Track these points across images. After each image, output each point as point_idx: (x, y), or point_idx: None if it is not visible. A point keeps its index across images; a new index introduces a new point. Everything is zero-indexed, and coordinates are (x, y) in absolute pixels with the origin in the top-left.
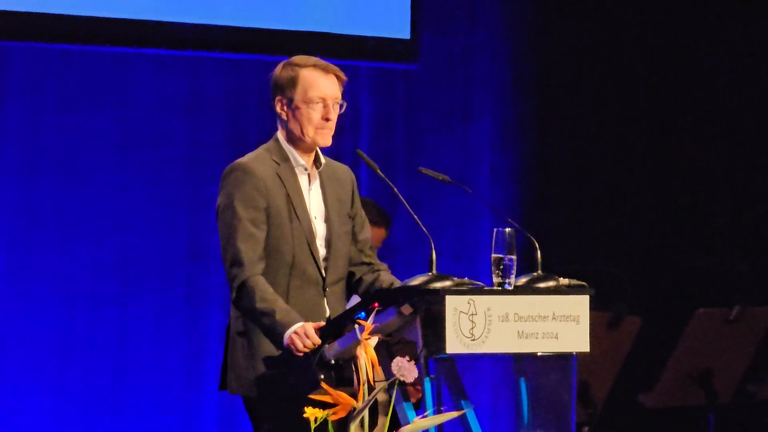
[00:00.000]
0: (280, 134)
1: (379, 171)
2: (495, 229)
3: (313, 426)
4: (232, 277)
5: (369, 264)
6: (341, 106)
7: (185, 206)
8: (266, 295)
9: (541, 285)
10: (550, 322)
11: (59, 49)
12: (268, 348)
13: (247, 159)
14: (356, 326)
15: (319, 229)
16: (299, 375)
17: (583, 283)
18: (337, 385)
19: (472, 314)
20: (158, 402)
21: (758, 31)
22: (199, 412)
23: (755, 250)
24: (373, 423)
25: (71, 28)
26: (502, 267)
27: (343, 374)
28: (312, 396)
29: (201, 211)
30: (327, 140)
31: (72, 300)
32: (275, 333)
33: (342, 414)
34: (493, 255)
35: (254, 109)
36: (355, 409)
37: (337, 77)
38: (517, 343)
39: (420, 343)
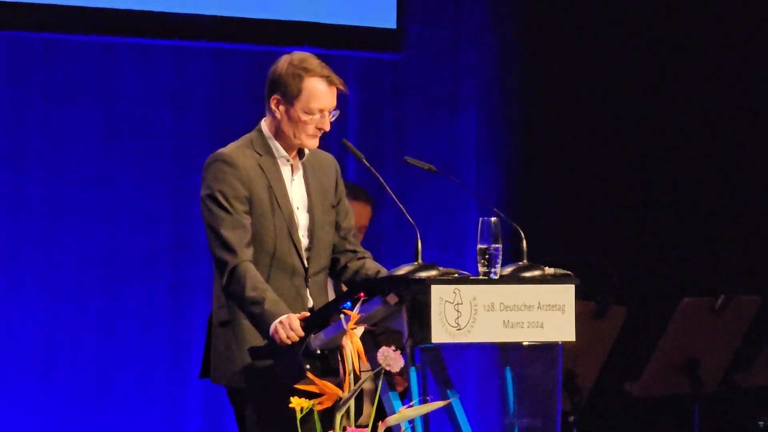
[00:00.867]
0: (265, 125)
1: (365, 161)
2: (481, 219)
3: (299, 416)
4: (222, 264)
5: (353, 251)
6: (334, 115)
7: (170, 196)
8: (257, 283)
9: (527, 274)
10: (536, 312)
11: (44, 38)
12: (252, 338)
13: (228, 149)
14: (342, 316)
15: (302, 219)
16: (285, 365)
17: (569, 272)
18: (322, 375)
19: (458, 304)
20: (144, 392)
21: (735, 20)
22: (184, 402)
23: (741, 239)
24: (358, 412)
25: (56, 17)
26: (487, 256)
27: (329, 364)
28: (297, 386)
29: (186, 201)
30: (315, 144)
31: (57, 290)
32: (262, 322)
33: (328, 404)
34: (479, 244)
35: (240, 99)
36: (341, 398)
37: (338, 88)
38: (502, 332)
39: (406, 332)
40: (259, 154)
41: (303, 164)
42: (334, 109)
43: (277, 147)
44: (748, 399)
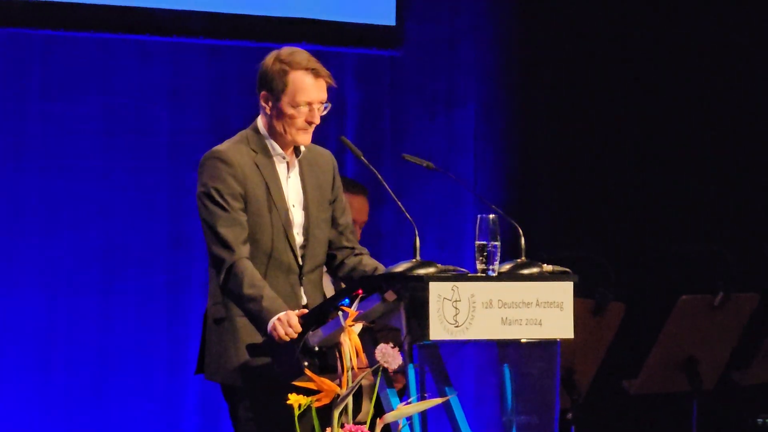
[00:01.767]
0: (260, 123)
1: (363, 158)
2: (479, 216)
3: (296, 413)
4: (219, 261)
5: (351, 248)
6: (326, 108)
7: (168, 193)
8: (254, 280)
9: (525, 271)
10: (534, 309)
11: (42, 35)
12: (247, 335)
13: (224, 147)
14: (340, 313)
15: (297, 217)
16: (283, 362)
17: (567, 269)
18: (320, 372)
19: (456, 301)
20: (140, 388)
21: (737, 15)
22: (180, 398)
23: (739, 236)
24: (357, 409)
25: (54, 13)
26: (485, 253)
27: (327, 361)
28: (296, 383)
29: (183, 197)
30: (307, 140)
31: (54, 287)
32: (260, 319)
33: (326, 401)
34: (477, 242)
35: (237, 96)
36: (338, 395)
37: (326, 81)
38: (500, 329)
39: (404, 329)
40: (254, 151)
41: (299, 161)
42: (326, 102)
43: (272, 144)
44: (746, 396)
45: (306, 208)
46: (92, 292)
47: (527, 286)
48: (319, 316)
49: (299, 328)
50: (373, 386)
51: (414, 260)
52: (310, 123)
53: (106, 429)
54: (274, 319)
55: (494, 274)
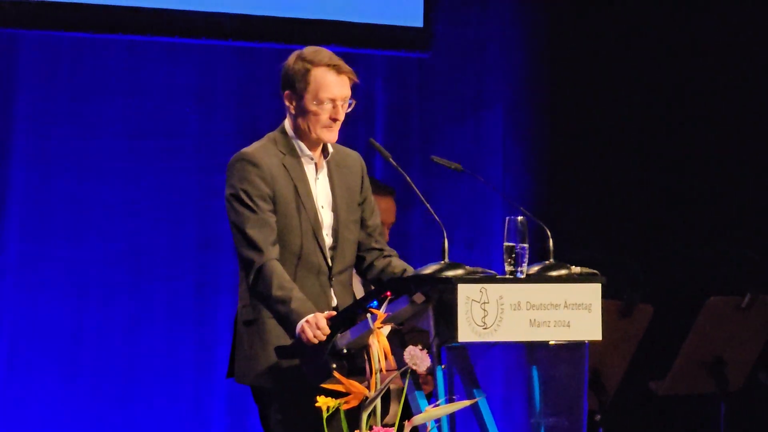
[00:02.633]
0: (287, 125)
1: (392, 160)
2: (507, 218)
3: (325, 415)
4: (248, 262)
5: (380, 249)
6: (350, 105)
7: (196, 195)
8: (283, 282)
9: (553, 273)
10: (562, 311)
11: (70, 37)
12: (276, 337)
13: (252, 149)
14: (368, 315)
15: (326, 218)
16: (311, 364)
17: (595, 271)
18: (349, 374)
19: (485, 303)
20: (168, 391)
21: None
22: (209, 401)
23: (767, 237)
24: (385, 412)
25: (82, 16)
26: (514, 255)
27: (356, 363)
28: (324, 385)
29: (212, 200)
30: (333, 137)
31: (83, 289)
32: (289, 321)
33: (354, 403)
34: (506, 243)
35: (265, 98)
36: (367, 398)
37: (349, 77)
38: (529, 331)
39: (432, 331)
40: (282, 153)
41: (328, 162)
42: (350, 99)
43: (300, 146)
44: None
45: (335, 209)
46: (120, 295)
47: (555, 287)
48: (348, 318)
49: (327, 331)
50: (401, 388)
51: (442, 262)
52: (334, 120)
53: None
54: (302, 322)
55: (522, 276)
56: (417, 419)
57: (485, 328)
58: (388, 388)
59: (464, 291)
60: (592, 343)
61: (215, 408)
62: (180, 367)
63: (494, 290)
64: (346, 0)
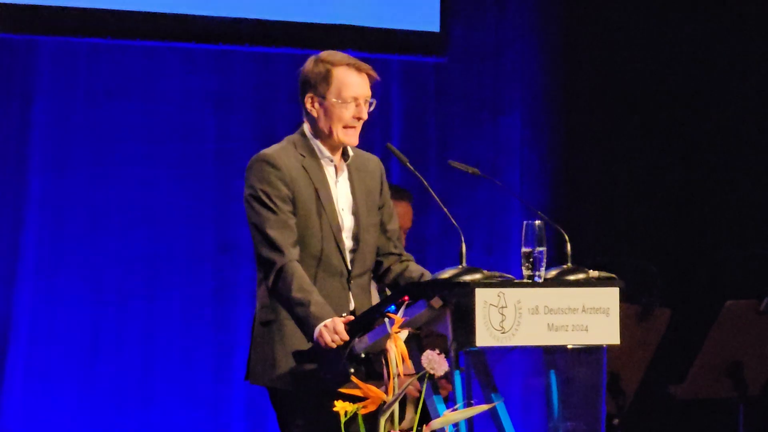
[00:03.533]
0: (306, 128)
1: (409, 164)
2: (525, 222)
3: (343, 419)
4: (269, 263)
5: (397, 254)
6: (371, 104)
7: (213, 200)
8: (303, 284)
9: (571, 277)
10: (580, 315)
11: (88, 43)
12: (294, 339)
13: (271, 150)
14: (386, 319)
15: (347, 221)
16: (329, 368)
17: (613, 275)
18: (367, 379)
19: (502, 307)
20: (186, 395)
21: None
22: (227, 405)
23: None
24: (402, 416)
25: (100, 22)
26: (532, 259)
27: (374, 367)
28: (342, 389)
29: (229, 204)
30: (354, 140)
31: (101, 293)
32: (307, 325)
33: (372, 407)
34: (523, 248)
35: (283, 103)
36: (385, 402)
37: (369, 76)
38: (547, 335)
39: (450, 336)
40: (302, 155)
41: (348, 166)
42: (371, 99)
43: (320, 148)
44: None
45: (355, 212)
46: (138, 299)
47: (573, 292)
48: (366, 322)
49: (345, 335)
50: (419, 393)
51: (460, 266)
52: (358, 119)
53: None
54: (320, 326)
55: (540, 280)
56: (435, 424)
57: (503, 333)
58: (406, 392)
59: (482, 295)
60: (610, 347)
61: (234, 413)
62: (198, 372)
63: (512, 294)
64: (363, 5)
